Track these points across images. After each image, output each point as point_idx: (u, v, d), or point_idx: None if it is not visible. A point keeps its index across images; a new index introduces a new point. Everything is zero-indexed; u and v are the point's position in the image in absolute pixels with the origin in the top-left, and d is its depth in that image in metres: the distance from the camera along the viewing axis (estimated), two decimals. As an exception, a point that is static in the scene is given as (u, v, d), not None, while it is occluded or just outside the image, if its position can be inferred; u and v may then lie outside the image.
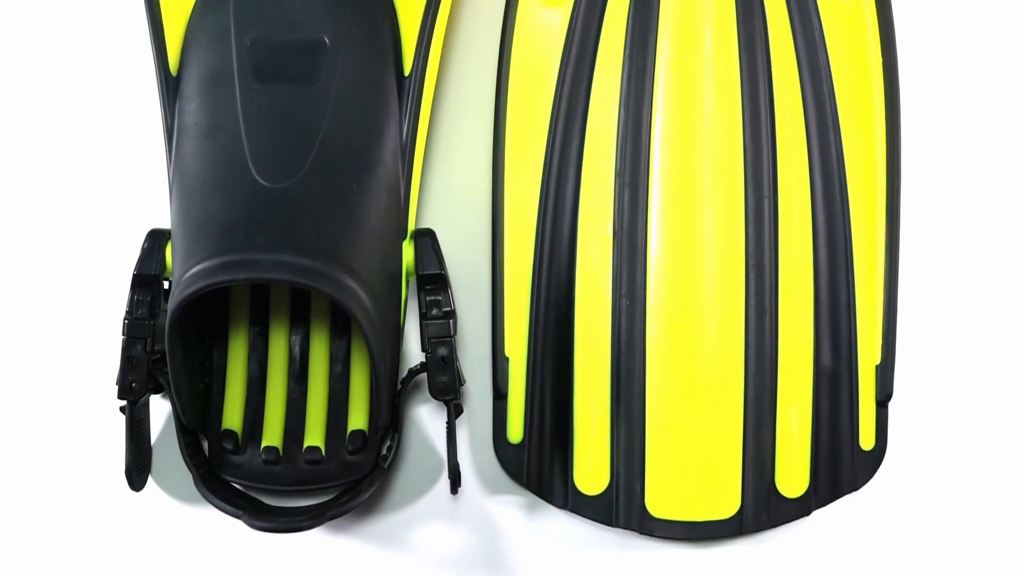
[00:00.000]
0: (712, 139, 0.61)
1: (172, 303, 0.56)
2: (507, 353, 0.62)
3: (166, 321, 0.57)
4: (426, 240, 0.61)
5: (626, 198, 0.61)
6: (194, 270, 0.55)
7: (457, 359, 0.61)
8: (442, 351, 0.60)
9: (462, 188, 0.65)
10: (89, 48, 0.67)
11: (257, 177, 0.57)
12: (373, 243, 0.58)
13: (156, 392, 0.61)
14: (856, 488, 0.61)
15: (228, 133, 0.58)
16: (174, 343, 0.57)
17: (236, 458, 0.62)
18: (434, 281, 0.61)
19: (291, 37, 0.59)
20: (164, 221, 0.62)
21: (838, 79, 0.62)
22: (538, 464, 0.62)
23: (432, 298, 0.61)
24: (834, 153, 0.62)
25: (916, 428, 0.65)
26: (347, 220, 0.57)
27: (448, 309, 0.61)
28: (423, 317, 0.61)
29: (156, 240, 0.61)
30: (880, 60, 0.62)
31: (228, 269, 0.55)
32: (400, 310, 0.61)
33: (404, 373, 0.63)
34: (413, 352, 0.64)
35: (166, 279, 0.61)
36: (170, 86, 0.60)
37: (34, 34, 0.67)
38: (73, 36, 0.67)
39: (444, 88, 0.65)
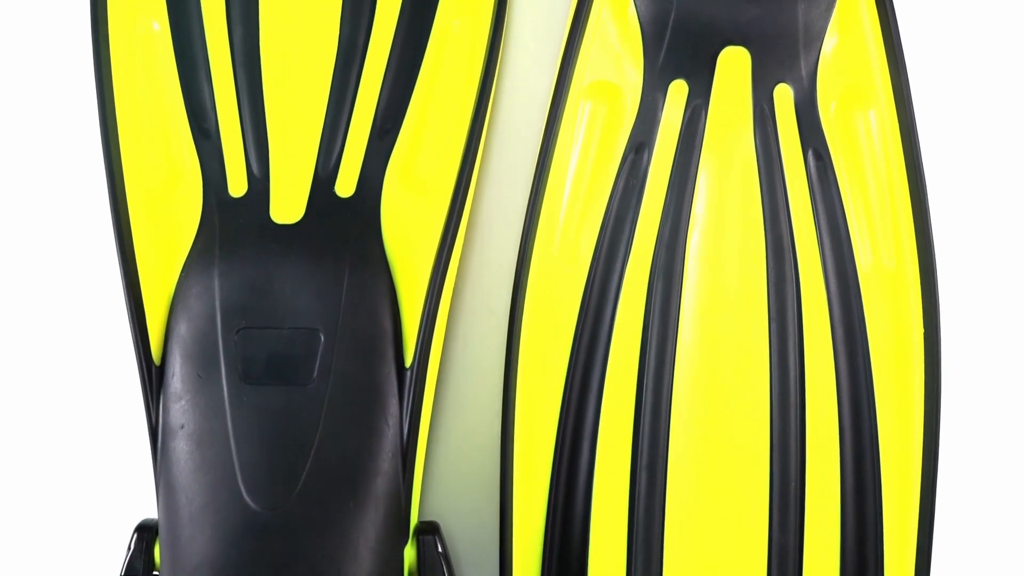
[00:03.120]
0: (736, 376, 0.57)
1: None
2: None
3: None
4: (430, 542, 0.57)
5: (642, 483, 0.57)
6: None
7: None
8: None
9: (469, 476, 0.60)
10: (69, 342, 0.63)
11: (248, 500, 0.53)
12: (370, 561, 0.54)
13: None
14: None
15: (216, 443, 0.54)
16: None
17: None
18: None
19: (282, 328, 0.55)
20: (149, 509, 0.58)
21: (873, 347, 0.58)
22: None
23: None
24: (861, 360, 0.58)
25: None
26: (342, 544, 0.53)
27: None
28: None
29: (144, 539, 0.56)
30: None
31: None
32: None
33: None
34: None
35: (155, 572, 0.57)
36: (153, 376, 0.56)
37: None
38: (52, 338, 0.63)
39: (447, 376, 0.61)
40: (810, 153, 0.58)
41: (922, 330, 0.58)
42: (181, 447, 0.54)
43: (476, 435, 0.60)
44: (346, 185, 0.58)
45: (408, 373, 0.56)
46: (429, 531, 0.57)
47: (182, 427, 0.55)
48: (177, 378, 0.55)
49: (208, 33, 0.59)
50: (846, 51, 0.59)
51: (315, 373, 0.55)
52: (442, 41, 0.59)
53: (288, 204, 0.57)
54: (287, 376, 0.55)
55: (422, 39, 0.59)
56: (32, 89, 0.64)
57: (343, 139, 0.58)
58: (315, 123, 0.58)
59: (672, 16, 0.58)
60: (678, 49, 0.58)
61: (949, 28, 0.63)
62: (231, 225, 0.57)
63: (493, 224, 0.61)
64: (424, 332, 0.56)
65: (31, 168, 0.63)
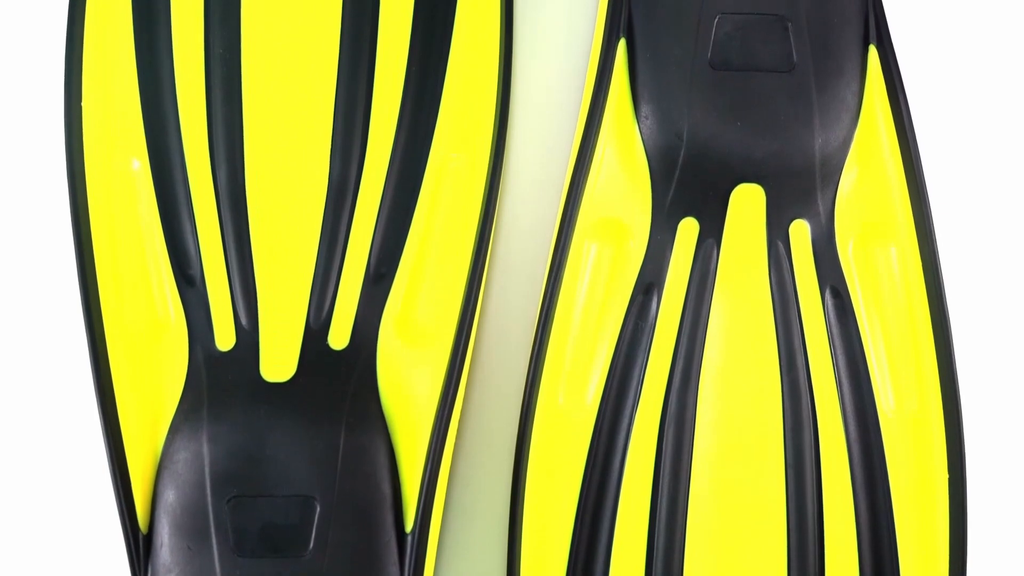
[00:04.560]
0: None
1: None
2: None
3: None
4: None
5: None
6: None
7: None
8: None
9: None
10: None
11: None
12: None
13: None
14: None
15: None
16: None
17: None
18: None
19: (275, 496, 0.52)
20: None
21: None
22: None
23: None
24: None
25: None
26: None
27: None
28: None
29: None
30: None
31: None
32: None
33: None
34: None
35: None
36: (140, 545, 0.53)
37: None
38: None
39: (449, 540, 0.58)
40: (828, 291, 0.56)
41: (947, 476, 0.55)
42: (172, 628, 0.52)
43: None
44: (339, 336, 0.55)
45: (408, 539, 0.53)
46: None
47: (173, 605, 0.52)
48: (166, 549, 0.52)
49: (191, 171, 0.56)
50: (865, 184, 0.56)
51: (311, 543, 0.52)
52: (439, 176, 0.56)
53: (279, 359, 0.54)
54: (282, 547, 0.52)
55: (417, 174, 0.56)
56: (8, 238, 0.60)
57: (335, 285, 0.55)
58: (306, 268, 0.55)
59: (682, 153, 0.55)
60: (688, 186, 0.55)
61: (967, 155, 0.61)
62: (220, 383, 0.54)
63: (495, 373, 0.57)
64: (425, 496, 0.53)
65: (7, 326, 0.60)
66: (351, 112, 0.56)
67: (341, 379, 0.54)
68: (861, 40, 0.56)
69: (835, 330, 0.56)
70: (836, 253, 0.56)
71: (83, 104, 0.56)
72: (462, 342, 0.54)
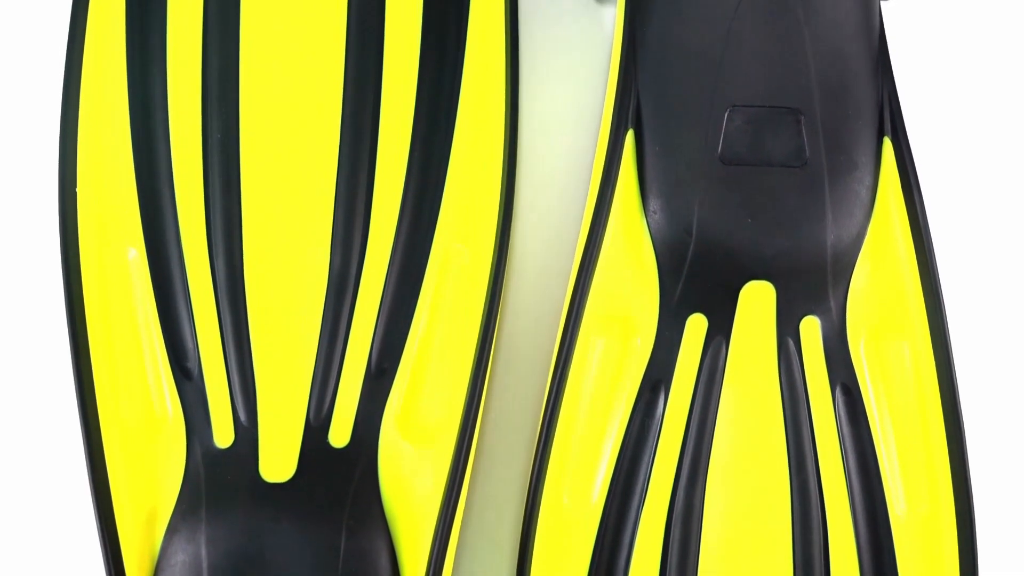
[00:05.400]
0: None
1: None
2: None
3: None
4: None
5: None
6: None
7: None
8: None
9: None
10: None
11: None
12: None
13: None
14: None
15: None
16: None
17: None
18: None
19: None
20: None
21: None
22: None
23: None
24: None
25: None
26: None
27: None
28: None
29: None
30: None
31: None
32: None
33: None
34: None
35: None
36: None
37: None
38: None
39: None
40: (838, 389, 0.54)
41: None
42: None
43: None
44: (340, 434, 0.53)
45: None
46: None
47: None
48: None
49: (188, 261, 0.54)
50: (878, 279, 0.55)
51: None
52: (442, 268, 0.55)
53: (279, 457, 0.53)
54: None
55: (420, 266, 0.55)
56: (2, 330, 0.59)
57: (336, 380, 0.54)
58: (306, 363, 0.54)
59: (691, 249, 0.54)
60: (697, 282, 0.54)
61: (981, 248, 0.59)
62: (218, 482, 0.53)
63: (499, 472, 0.56)
64: None
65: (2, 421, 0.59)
66: (351, 201, 0.55)
67: (342, 478, 0.53)
68: (875, 133, 0.55)
69: (846, 429, 0.54)
70: (847, 350, 0.55)
71: (77, 190, 0.55)
72: (466, 440, 0.53)
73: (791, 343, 0.54)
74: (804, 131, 0.54)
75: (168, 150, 0.55)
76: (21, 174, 0.60)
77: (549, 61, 0.60)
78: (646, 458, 0.54)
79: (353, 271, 0.55)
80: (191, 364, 0.54)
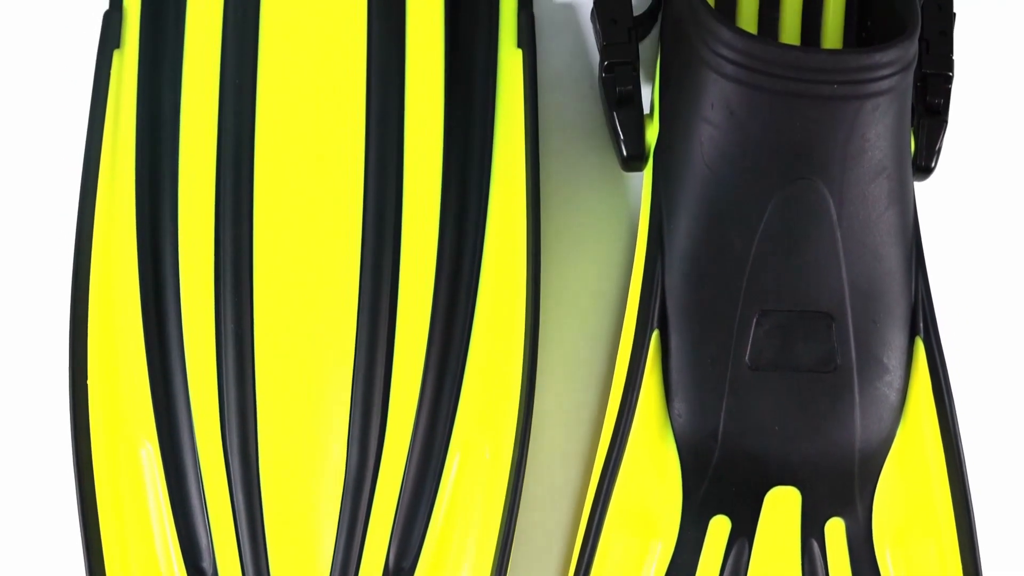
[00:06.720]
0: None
1: None
2: None
3: None
4: None
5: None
6: None
7: None
8: None
9: None
10: None
11: None
12: None
13: None
14: None
15: None
16: None
17: None
18: None
19: None
20: None
21: None
22: None
23: None
24: None
25: None
26: None
27: None
28: None
29: None
30: None
31: None
32: None
33: None
34: None
35: None
36: None
37: None
38: None
39: None
40: (864, 590, 0.54)
41: None
42: None
43: None
44: (358, 641, 0.53)
45: None
46: None
47: None
48: None
49: (202, 456, 0.53)
50: (906, 481, 0.53)
51: None
52: (462, 465, 0.53)
53: (294, 672, 0.52)
54: None
55: (439, 463, 0.54)
56: (15, 528, 0.58)
57: None
58: (322, 564, 0.53)
59: (716, 454, 0.52)
60: (721, 485, 0.53)
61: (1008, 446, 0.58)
62: None
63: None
64: None
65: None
66: (368, 402, 0.53)
67: None
68: (907, 334, 0.53)
69: (871, 631, 0.54)
70: (873, 552, 0.54)
71: (88, 384, 0.54)
72: (485, 643, 0.53)
73: (815, 545, 0.53)
74: (834, 336, 0.52)
75: (180, 337, 0.54)
76: (28, 369, 0.59)
77: (573, 234, 0.58)
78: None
79: (370, 469, 0.53)
80: (205, 564, 0.53)
